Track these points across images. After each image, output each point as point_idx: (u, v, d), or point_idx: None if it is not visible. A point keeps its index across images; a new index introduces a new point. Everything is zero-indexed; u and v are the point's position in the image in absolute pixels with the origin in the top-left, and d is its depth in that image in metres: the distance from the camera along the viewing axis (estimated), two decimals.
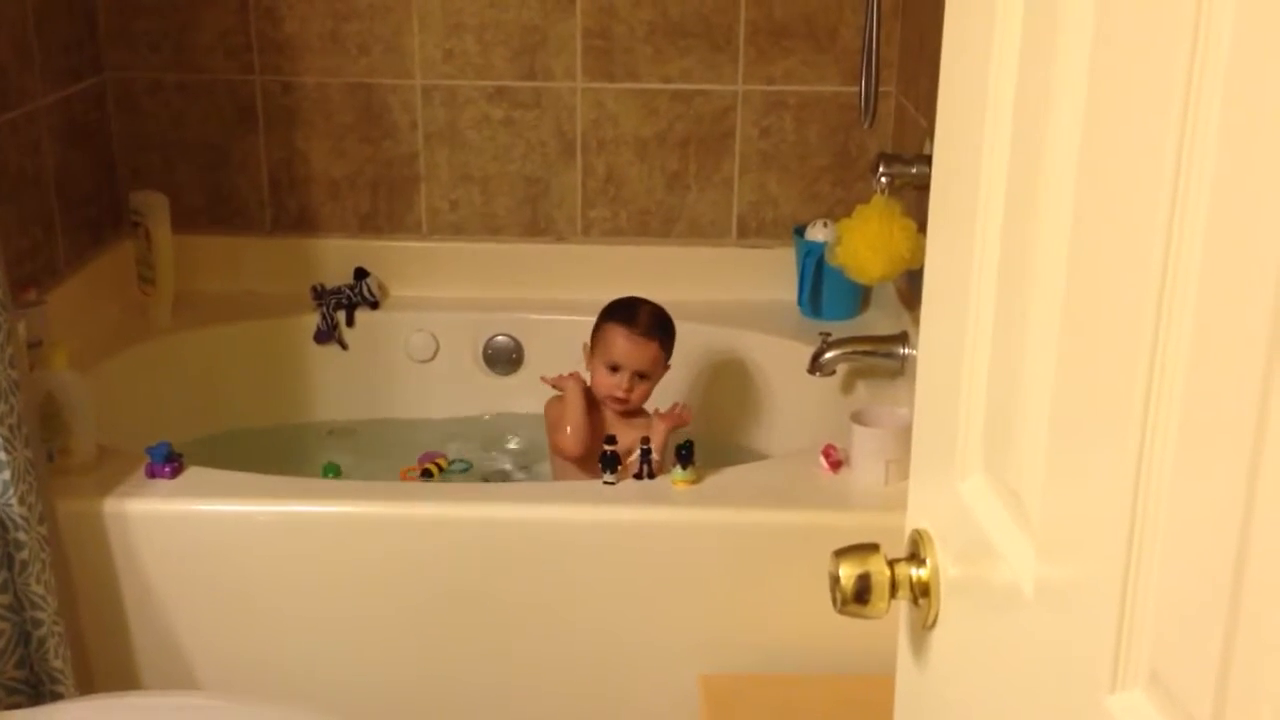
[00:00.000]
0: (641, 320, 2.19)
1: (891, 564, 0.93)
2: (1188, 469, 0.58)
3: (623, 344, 2.17)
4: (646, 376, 2.18)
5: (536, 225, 2.72)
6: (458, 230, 2.72)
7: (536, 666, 1.91)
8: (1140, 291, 0.60)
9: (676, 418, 2.18)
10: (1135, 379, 0.61)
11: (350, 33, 2.61)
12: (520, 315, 2.65)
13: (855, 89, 2.49)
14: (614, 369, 2.16)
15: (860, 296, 2.62)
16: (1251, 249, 0.52)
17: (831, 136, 2.65)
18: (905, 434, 1.85)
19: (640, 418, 2.21)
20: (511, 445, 2.59)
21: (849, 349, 2.29)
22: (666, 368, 2.24)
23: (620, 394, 2.16)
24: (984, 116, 0.81)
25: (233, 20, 2.60)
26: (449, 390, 2.66)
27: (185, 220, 2.64)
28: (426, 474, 2.42)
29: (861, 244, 2.26)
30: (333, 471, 2.42)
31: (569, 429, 2.17)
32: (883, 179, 2.26)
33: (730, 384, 2.57)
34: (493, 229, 2.72)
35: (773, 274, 2.66)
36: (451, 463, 2.48)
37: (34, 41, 2.34)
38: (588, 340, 2.24)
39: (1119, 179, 0.63)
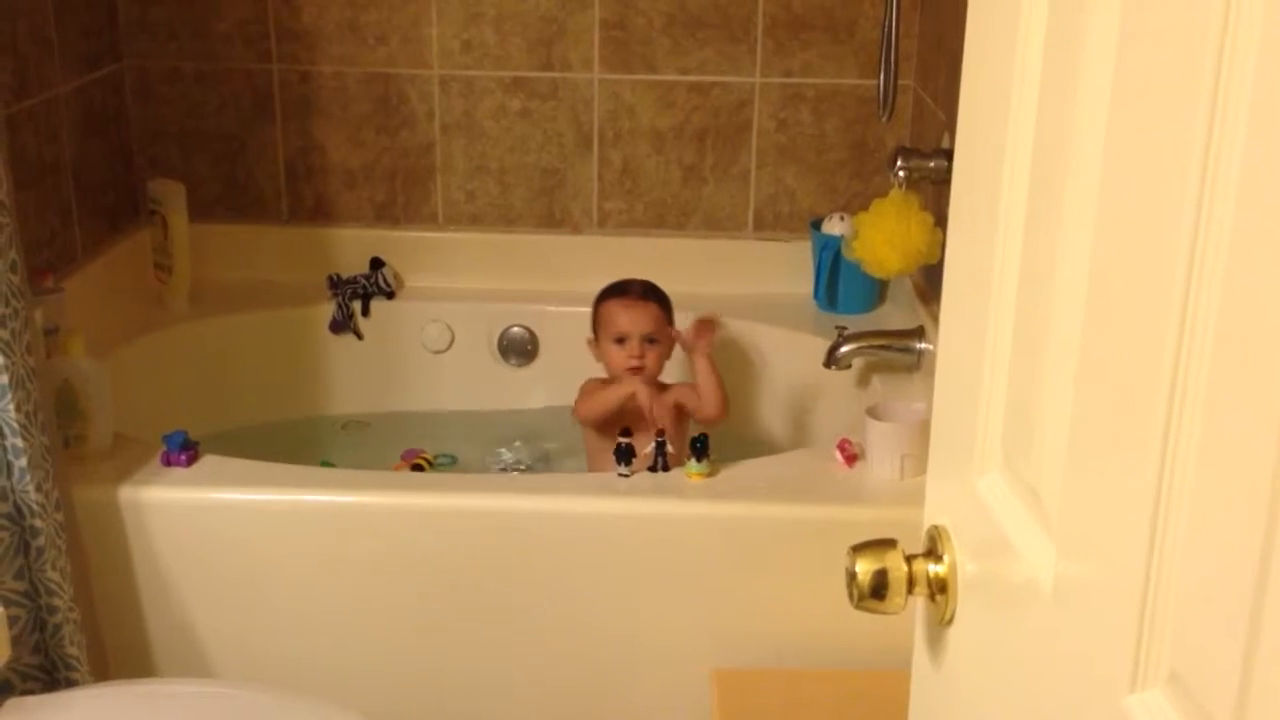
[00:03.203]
0: (633, 288, 2.24)
1: (909, 559, 0.93)
2: (1211, 468, 0.57)
3: (621, 313, 2.20)
4: (655, 340, 2.19)
5: (552, 216, 2.71)
6: (474, 221, 2.72)
7: (548, 659, 1.92)
8: (1165, 289, 0.60)
9: (706, 334, 2.18)
10: (1159, 376, 0.60)
11: (368, 22, 2.61)
12: (535, 306, 2.65)
13: (874, 82, 2.48)
14: (621, 340, 2.18)
15: (877, 291, 2.61)
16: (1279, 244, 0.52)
17: (849, 130, 2.64)
18: (921, 429, 1.85)
19: (664, 396, 2.20)
20: (525, 436, 2.59)
21: (865, 343, 2.28)
22: (674, 336, 2.24)
23: (635, 361, 2.17)
24: (1007, 111, 0.81)
25: (251, 9, 2.60)
26: (463, 381, 2.66)
27: (202, 209, 2.64)
28: (418, 468, 2.41)
29: (878, 238, 2.25)
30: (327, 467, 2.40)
31: (592, 400, 2.19)
32: (900, 173, 2.25)
33: (745, 377, 2.56)
34: (509, 220, 2.72)
35: (789, 267, 2.65)
36: (436, 457, 2.47)
37: (53, 29, 2.34)
38: (590, 335, 2.24)
39: (1144, 174, 0.63)
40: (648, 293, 2.23)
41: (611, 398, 2.17)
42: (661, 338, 2.20)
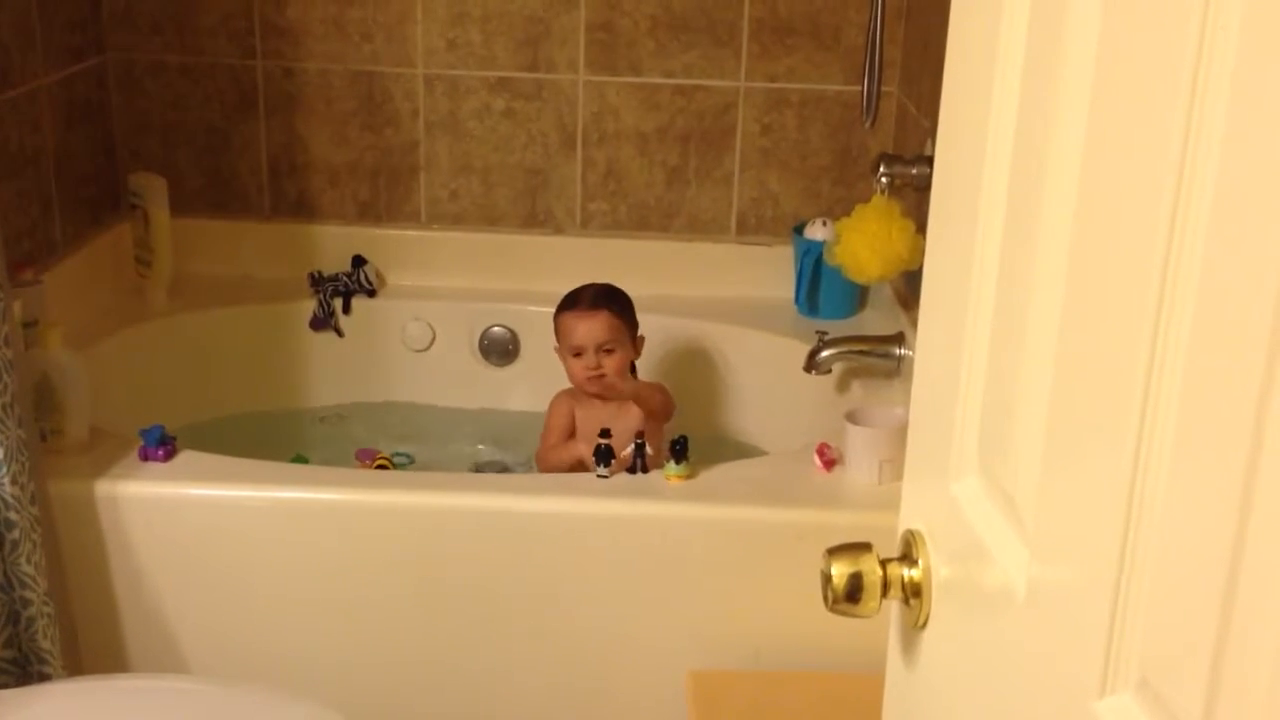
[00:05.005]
0: (583, 297, 2.22)
1: (884, 563, 0.93)
2: (1183, 475, 0.58)
3: (575, 325, 2.18)
4: (612, 350, 2.18)
5: (535, 217, 2.71)
6: (457, 220, 2.72)
7: (524, 659, 1.92)
8: (1139, 298, 0.60)
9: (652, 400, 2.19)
10: (1133, 384, 0.61)
11: (353, 19, 2.61)
12: (517, 306, 2.65)
13: (858, 88, 2.48)
14: (578, 353, 2.18)
15: (857, 296, 2.62)
16: (1253, 255, 0.52)
17: (833, 135, 2.65)
18: (899, 434, 1.86)
19: (631, 407, 2.20)
20: (505, 436, 2.59)
21: (845, 348, 2.29)
22: (638, 339, 2.23)
23: (593, 373, 2.16)
24: (987, 120, 0.81)
25: (236, 4, 2.60)
26: (444, 380, 2.66)
27: (184, 203, 2.63)
28: (382, 468, 2.39)
29: (860, 244, 2.26)
30: (301, 463, 2.39)
31: (547, 462, 2.24)
32: (883, 179, 2.26)
33: (726, 380, 2.57)
34: (492, 219, 2.72)
35: (771, 271, 2.66)
36: (393, 455, 2.46)
37: (36, 21, 2.33)
38: (557, 344, 2.24)
39: (1121, 183, 0.63)
40: (599, 300, 2.20)
41: (564, 459, 2.20)
42: (618, 345, 2.18)
